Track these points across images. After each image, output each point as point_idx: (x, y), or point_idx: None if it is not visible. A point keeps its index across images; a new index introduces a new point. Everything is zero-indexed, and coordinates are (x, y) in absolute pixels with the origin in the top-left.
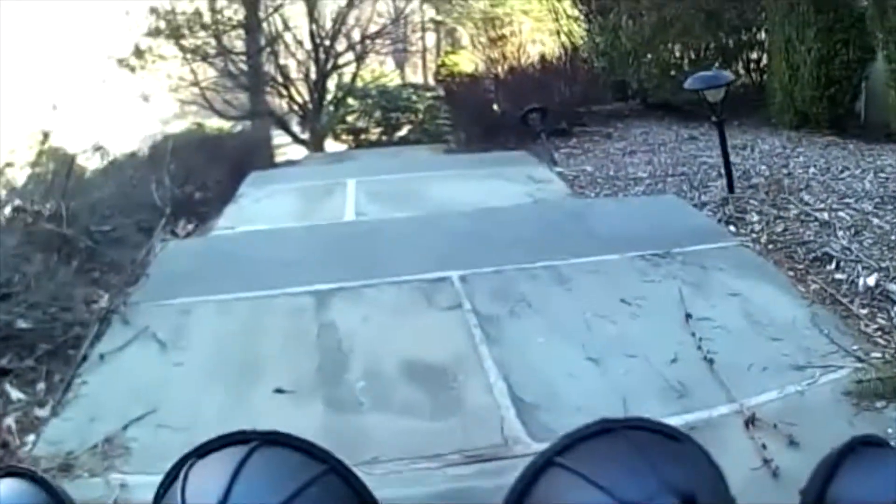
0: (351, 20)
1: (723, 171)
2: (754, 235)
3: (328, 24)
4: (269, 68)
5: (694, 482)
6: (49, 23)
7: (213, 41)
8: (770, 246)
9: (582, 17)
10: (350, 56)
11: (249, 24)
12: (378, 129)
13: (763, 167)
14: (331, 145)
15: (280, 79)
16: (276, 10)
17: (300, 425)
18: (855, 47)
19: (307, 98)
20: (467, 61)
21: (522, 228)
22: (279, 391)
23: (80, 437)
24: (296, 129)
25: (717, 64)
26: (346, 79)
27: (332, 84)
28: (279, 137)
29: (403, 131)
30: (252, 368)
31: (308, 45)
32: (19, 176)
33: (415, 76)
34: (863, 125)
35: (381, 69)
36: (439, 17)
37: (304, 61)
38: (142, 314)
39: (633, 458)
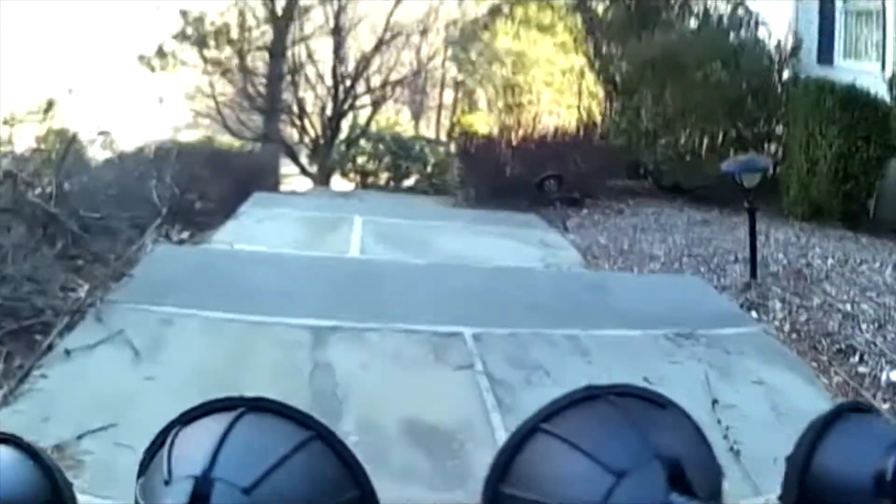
0: (374, 64)
1: (739, 256)
2: (777, 323)
3: (351, 64)
4: (287, 96)
5: (679, 448)
6: (77, 12)
7: (236, 58)
8: (793, 335)
9: (603, 95)
10: (368, 99)
11: (275, 49)
12: (386, 174)
13: (781, 255)
14: (336, 182)
15: (296, 109)
16: (303, 39)
17: None
18: (876, 145)
19: (320, 133)
20: (482, 123)
21: (539, 293)
22: None
23: (29, 436)
24: (304, 160)
25: (733, 152)
26: (361, 120)
27: (345, 124)
28: (286, 167)
29: (411, 181)
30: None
31: (329, 82)
32: (19, 145)
33: (428, 130)
34: (873, 220)
35: (396, 118)
36: (461, 77)
37: (322, 96)
38: (119, 315)
39: (619, 424)
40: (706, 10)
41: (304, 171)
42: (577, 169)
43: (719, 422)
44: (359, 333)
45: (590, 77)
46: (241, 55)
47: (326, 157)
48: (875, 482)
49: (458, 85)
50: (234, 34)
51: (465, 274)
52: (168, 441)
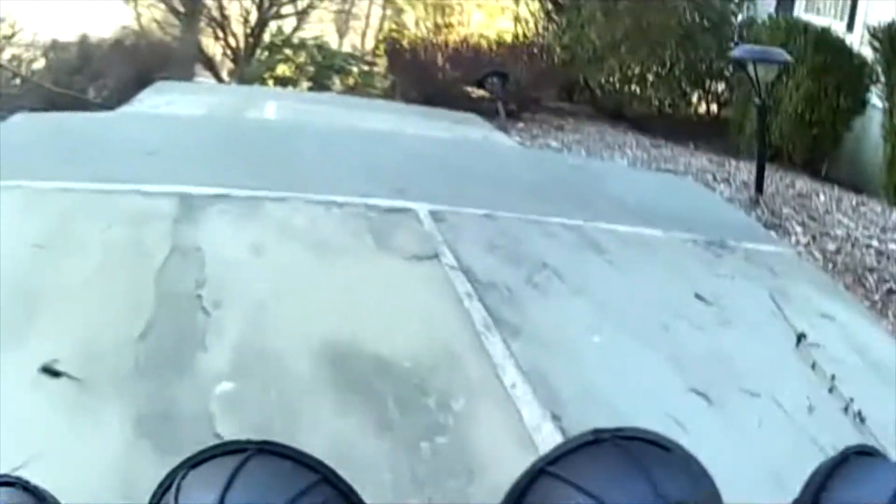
0: None
1: (718, 176)
2: (802, 248)
3: None
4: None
5: (686, 491)
6: None
7: None
8: (830, 265)
9: (543, 12)
10: (292, 9)
11: None
12: (308, 84)
13: (766, 183)
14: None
15: (218, 15)
16: None
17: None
18: (846, 95)
19: (242, 44)
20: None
21: (513, 169)
22: (49, 371)
23: None
24: (224, 75)
25: (684, 85)
26: (286, 30)
27: (268, 35)
28: (203, 78)
29: (335, 91)
30: (28, 303)
31: None
32: None
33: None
34: (825, 175)
35: (321, 34)
36: None
37: (245, 6)
38: None
39: (625, 467)
40: None
41: (220, 81)
42: (514, 80)
43: (814, 366)
44: (254, 204)
45: None
46: None
47: (246, 65)
48: None
49: (386, 2)
50: None
51: (409, 141)
52: (175, 484)
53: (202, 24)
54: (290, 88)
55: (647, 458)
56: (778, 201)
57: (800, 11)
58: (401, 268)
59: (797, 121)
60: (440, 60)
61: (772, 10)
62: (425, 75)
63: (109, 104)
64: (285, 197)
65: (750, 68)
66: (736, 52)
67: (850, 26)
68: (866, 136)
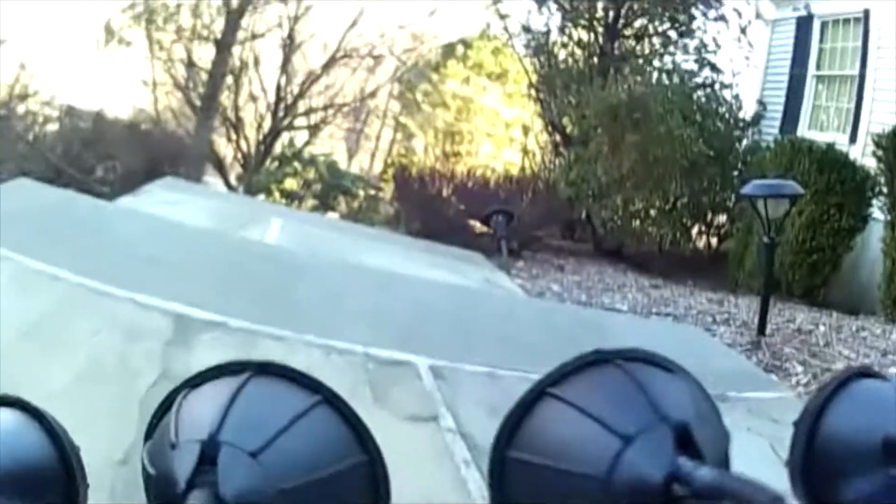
0: (320, 84)
1: (717, 317)
2: (802, 389)
3: (297, 80)
4: (226, 102)
5: (687, 412)
6: None
7: (182, 50)
8: None
9: (551, 146)
10: (306, 121)
11: (223, 42)
12: (313, 202)
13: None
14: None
15: (233, 116)
16: (255, 36)
17: None
18: (849, 214)
19: (253, 149)
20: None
21: (517, 324)
22: None
23: None
24: (232, 179)
25: (685, 219)
26: (298, 143)
27: (279, 145)
28: (211, 177)
29: (337, 215)
30: None
31: (272, 96)
32: None
33: (361, 171)
34: (823, 299)
35: (331, 151)
36: (403, 119)
37: (261, 112)
38: None
39: (627, 388)
40: (674, 65)
41: (228, 186)
42: (517, 218)
43: None
44: (251, 338)
45: (538, 126)
46: (188, 48)
47: (254, 174)
48: (884, 448)
49: (398, 125)
50: (185, 21)
51: (415, 288)
52: (175, 405)
53: (216, 123)
54: (295, 205)
55: (649, 379)
56: (778, 341)
57: (804, 130)
58: (397, 428)
59: (798, 249)
60: (447, 191)
61: (776, 131)
62: (431, 206)
63: (115, 188)
64: (284, 336)
65: (760, 205)
66: (746, 189)
67: (853, 138)
68: (865, 251)
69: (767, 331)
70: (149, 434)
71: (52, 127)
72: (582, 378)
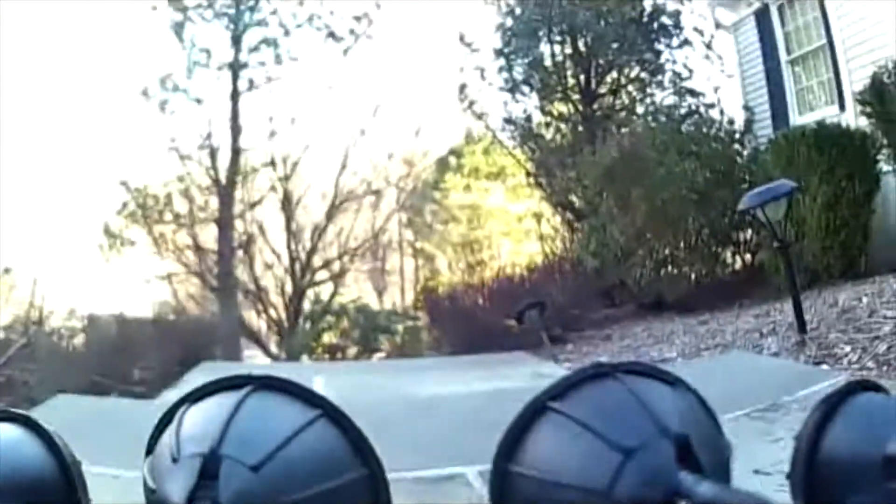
0: (329, 233)
1: (764, 331)
2: (855, 364)
3: (306, 234)
4: (243, 274)
5: (688, 425)
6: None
7: (188, 238)
8: (886, 367)
9: (565, 225)
10: (327, 273)
11: (222, 220)
12: (356, 349)
13: (809, 317)
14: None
15: (253, 287)
16: (252, 206)
17: None
18: (861, 180)
19: (283, 314)
20: (446, 287)
21: None
22: None
23: None
24: (273, 348)
25: (713, 248)
26: (325, 297)
27: (307, 303)
28: (249, 351)
29: (382, 354)
30: None
31: (285, 259)
32: None
33: (392, 304)
34: (866, 268)
35: (360, 295)
36: (419, 244)
37: (279, 276)
38: None
39: (627, 402)
40: (655, 105)
41: (269, 355)
42: (553, 303)
43: None
44: None
45: (547, 209)
46: (194, 235)
47: (292, 337)
48: (884, 463)
49: (416, 252)
50: (180, 208)
51: (456, 403)
52: (176, 419)
53: (240, 298)
54: (339, 356)
55: (650, 392)
56: (822, 329)
57: (795, 118)
58: None
59: (824, 234)
60: (479, 300)
61: (770, 130)
62: (466, 320)
63: (155, 386)
64: None
65: (760, 214)
66: (741, 206)
67: (841, 105)
68: (888, 207)
69: (813, 323)
70: (150, 448)
71: (79, 338)
72: (582, 392)
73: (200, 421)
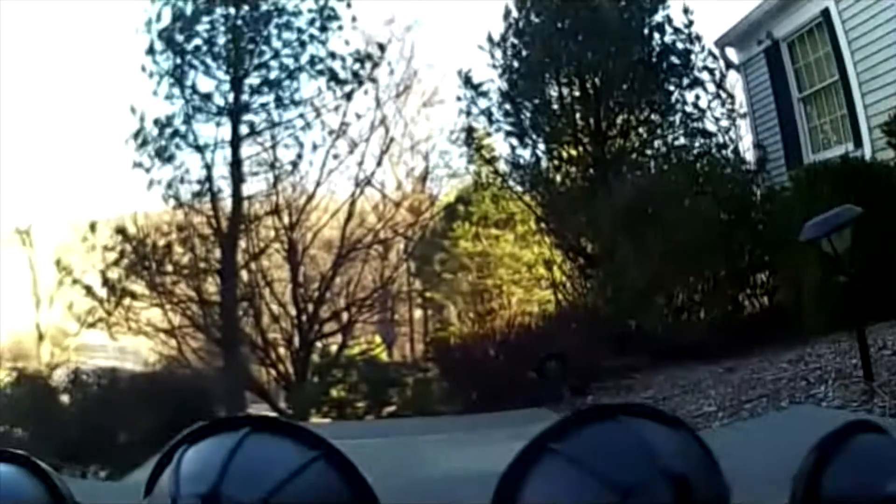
0: (336, 284)
1: (811, 378)
2: None
3: (312, 286)
4: (248, 328)
5: (687, 467)
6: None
7: (191, 289)
8: None
9: (577, 271)
10: (335, 325)
11: (225, 270)
12: (364, 403)
13: (855, 362)
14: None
15: (260, 341)
16: (255, 256)
17: None
18: (890, 215)
19: (291, 368)
20: (457, 337)
21: None
22: None
23: None
24: (282, 404)
25: (729, 291)
26: (332, 349)
27: (315, 355)
28: (257, 405)
29: (392, 408)
30: None
31: (292, 311)
32: None
33: (403, 357)
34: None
35: (370, 347)
36: (428, 294)
37: (286, 328)
38: None
39: (628, 444)
40: (667, 147)
41: (276, 410)
42: (569, 353)
43: None
44: None
45: (558, 256)
46: (196, 286)
47: (300, 393)
48: None
49: (426, 302)
50: (180, 257)
51: (478, 484)
52: (175, 459)
53: (246, 351)
54: (348, 411)
55: (650, 433)
56: (886, 376)
57: (808, 156)
58: None
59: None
60: (491, 351)
61: (783, 169)
62: (479, 373)
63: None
64: None
65: (825, 245)
66: (805, 234)
67: (857, 142)
68: None
69: (874, 369)
70: (149, 488)
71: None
72: (583, 432)
73: (199, 461)
